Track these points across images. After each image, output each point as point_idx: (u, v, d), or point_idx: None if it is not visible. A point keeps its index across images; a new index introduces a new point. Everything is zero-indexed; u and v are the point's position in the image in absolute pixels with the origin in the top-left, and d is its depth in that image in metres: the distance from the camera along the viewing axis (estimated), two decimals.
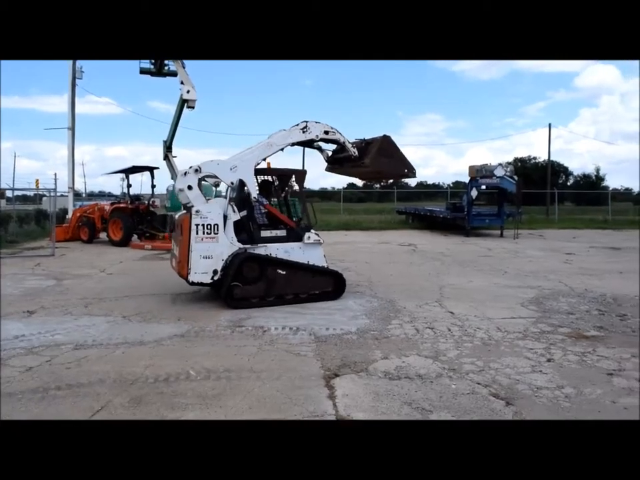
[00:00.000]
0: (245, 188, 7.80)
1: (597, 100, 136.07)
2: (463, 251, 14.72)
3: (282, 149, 8.07)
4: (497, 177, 17.99)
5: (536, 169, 62.66)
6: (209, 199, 7.80)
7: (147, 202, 17.18)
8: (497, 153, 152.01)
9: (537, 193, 37.89)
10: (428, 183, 70.68)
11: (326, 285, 8.00)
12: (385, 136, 8.55)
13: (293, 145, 8.21)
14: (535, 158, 68.85)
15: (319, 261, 8.04)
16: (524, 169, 71.32)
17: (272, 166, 8.77)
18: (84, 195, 48.33)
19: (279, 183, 8.76)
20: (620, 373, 4.75)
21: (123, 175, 17.43)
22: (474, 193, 18.57)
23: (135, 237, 16.42)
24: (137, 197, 17.88)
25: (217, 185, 19.90)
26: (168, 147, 21.45)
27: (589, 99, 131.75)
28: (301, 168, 8.18)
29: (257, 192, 8.00)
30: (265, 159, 8.04)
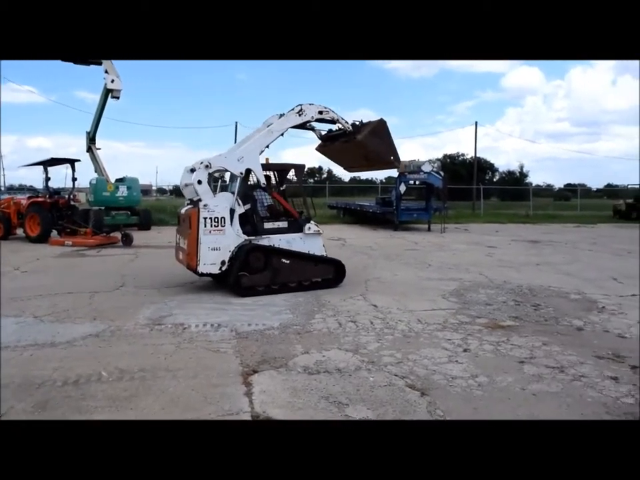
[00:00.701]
0: (250, 179, 8.22)
1: (522, 100, 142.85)
2: (391, 244, 14.99)
3: (282, 134, 8.42)
4: (425, 173, 18.41)
5: (464, 165, 64.85)
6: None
7: (67, 196, 16.44)
8: (428, 150, 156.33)
9: (464, 189, 39.11)
10: (361, 178, 71.34)
11: (327, 272, 8.51)
12: (381, 119, 8.91)
13: (288, 128, 8.51)
14: (463, 155, 71.26)
15: (318, 250, 8.51)
16: (452, 165, 73.44)
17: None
18: (2, 189, 45.75)
19: (278, 177, 9.05)
20: (531, 360, 4.93)
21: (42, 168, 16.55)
22: (402, 188, 18.93)
23: (54, 232, 15.68)
24: (57, 191, 17.08)
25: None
26: (91, 139, 20.74)
27: (514, 99, 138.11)
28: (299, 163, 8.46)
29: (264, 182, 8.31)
30: (267, 146, 8.35)
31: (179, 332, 5.75)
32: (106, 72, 18.67)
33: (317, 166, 79.76)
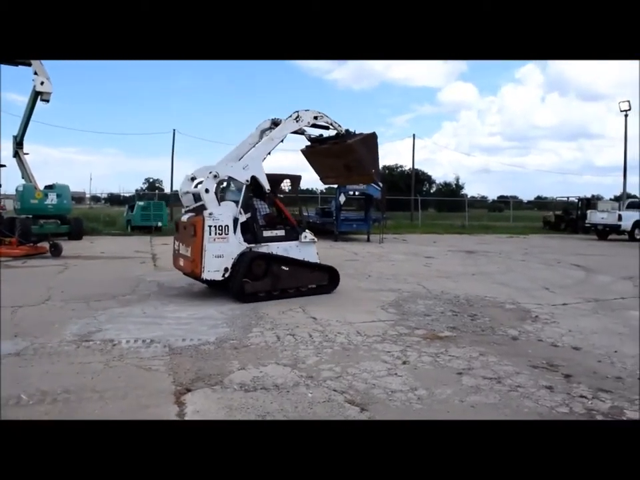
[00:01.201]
0: (256, 184, 8.46)
1: (457, 114, 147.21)
2: (331, 255, 14.86)
3: (282, 140, 8.81)
4: (364, 184, 18.51)
5: (402, 176, 66.14)
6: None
7: None
8: None
9: (403, 200, 39.83)
10: (302, 188, 71.45)
11: (322, 278, 8.89)
12: (373, 132, 9.38)
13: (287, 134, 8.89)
14: (401, 166, 72.68)
15: (312, 258, 8.85)
16: (391, 176, 74.82)
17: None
18: None
19: (273, 187, 9.02)
20: (469, 371, 4.95)
21: None
22: (342, 198, 19.02)
23: None
24: None
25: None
26: (18, 143, 19.74)
27: (450, 113, 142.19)
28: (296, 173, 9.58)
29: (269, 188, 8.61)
30: (269, 153, 8.69)
31: (108, 349, 5.44)
32: (35, 73, 17.78)
33: None
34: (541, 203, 54.82)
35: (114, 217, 28.12)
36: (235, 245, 8.08)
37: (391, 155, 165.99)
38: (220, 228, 7.95)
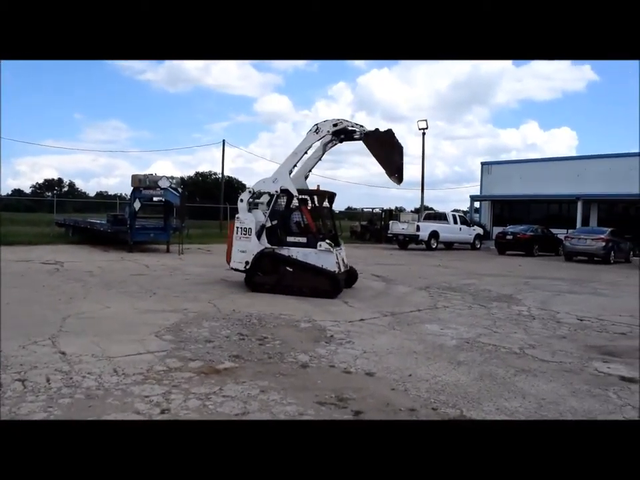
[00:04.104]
0: (278, 200, 10.21)
1: (273, 125, 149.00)
2: (117, 269, 13.13)
3: (305, 152, 10.20)
4: (162, 189, 16.91)
5: (217, 184, 64.70)
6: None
7: None
8: (182, 167, 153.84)
9: (213, 208, 38.56)
10: (109, 193, 65.98)
11: (323, 284, 9.56)
12: (388, 130, 9.84)
13: (311, 146, 10.24)
14: (215, 173, 71.15)
15: (331, 266, 9.68)
16: (205, 183, 73.16)
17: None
18: None
19: (314, 200, 10.56)
20: (242, 417, 3.97)
21: None
22: (137, 204, 17.15)
23: None
24: None
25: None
26: None
27: (266, 123, 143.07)
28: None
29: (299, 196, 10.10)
30: (295, 165, 10.24)
31: None
32: None
33: (56, 178, 72.10)
34: (351, 214, 57.33)
35: None
36: (256, 244, 9.90)
37: (206, 162, 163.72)
38: (245, 230, 10.09)
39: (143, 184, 17.17)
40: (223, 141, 40.59)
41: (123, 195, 36.75)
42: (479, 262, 20.80)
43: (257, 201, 11.98)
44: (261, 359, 5.61)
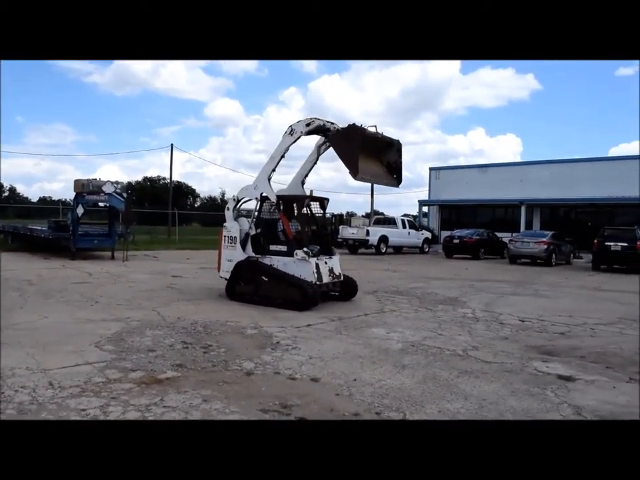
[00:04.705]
0: (263, 207, 10.15)
1: (224, 130, 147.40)
2: (58, 277, 12.66)
3: (283, 156, 9.84)
4: (106, 194, 16.44)
5: (166, 189, 63.66)
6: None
7: None
8: (130, 172, 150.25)
9: (162, 213, 37.87)
10: (53, 198, 63.76)
11: (295, 295, 8.97)
12: (353, 124, 9.12)
13: (287, 149, 9.79)
14: (164, 178, 70.06)
15: (308, 276, 9.22)
16: (153, 188, 71.82)
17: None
18: None
19: (290, 206, 10.17)
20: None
21: None
22: (80, 210, 16.59)
23: None
24: None
25: None
26: None
27: (216, 128, 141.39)
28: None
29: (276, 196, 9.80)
30: (274, 170, 9.88)
31: None
32: None
33: None
34: None
35: None
36: (240, 253, 9.76)
37: (155, 166, 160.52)
38: (231, 238, 9.99)
39: (86, 189, 16.65)
40: (172, 145, 40.02)
41: (68, 200, 35.71)
42: (426, 266, 21.17)
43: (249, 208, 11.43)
44: (204, 367, 5.50)
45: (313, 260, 9.37)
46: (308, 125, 9.41)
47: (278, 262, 9.44)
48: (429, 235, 30.87)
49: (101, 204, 17.85)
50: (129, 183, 65.97)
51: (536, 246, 22.51)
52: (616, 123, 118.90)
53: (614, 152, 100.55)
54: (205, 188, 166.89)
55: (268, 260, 9.53)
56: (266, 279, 9.31)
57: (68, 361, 5.50)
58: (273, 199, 9.75)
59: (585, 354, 6.62)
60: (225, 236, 10.05)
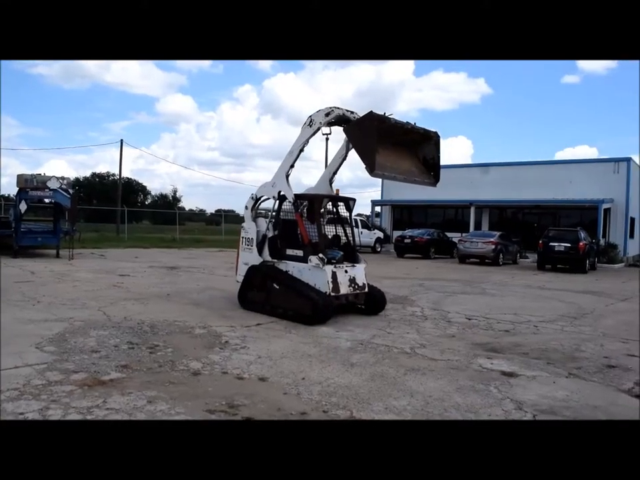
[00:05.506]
0: (283, 206, 9.15)
1: (177, 126, 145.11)
2: None
3: (302, 150, 8.83)
4: (51, 190, 15.92)
5: (115, 185, 62.27)
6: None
7: None
8: (78, 167, 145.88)
9: (111, 210, 37.01)
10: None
11: (305, 308, 7.94)
12: (370, 112, 7.78)
13: (307, 141, 8.80)
14: (114, 175, 68.36)
15: (322, 285, 8.16)
16: (102, 185, 70.05)
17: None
18: None
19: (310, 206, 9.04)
20: None
21: None
22: (23, 206, 16.02)
23: None
24: None
25: None
26: None
27: (168, 124, 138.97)
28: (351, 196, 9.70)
29: (293, 196, 8.74)
30: (292, 166, 8.87)
31: None
32: None
33: None
34: None
35: None
36: (256, 256, 9.01)
37: (104, 162, 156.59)
38: (248, 240, 9.27)
39: (29, 184, 16.08)
40: (121, 140, 39.12)
41: (11, 195, 34.38)
42: (378, 265, 21.35)
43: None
44: (150, 368, 5.40)
45: (329, 268, 8.29)
46: (327, 114, 8.50)
47: (293, 268, 8.53)
48: (381, 234, 31.20)
49: (45, 200, 17.22)
50: (77, 179, 64.25)
51: (484, 246, 23.07)
52: (562, 128, 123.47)
53: (560, 156, 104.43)
54: (156, 185, 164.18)
55: (284, 265, 8.65)
56: (277, 287, 8.40)
57: (6, 363, 5.28)
58: (290, 197, 8.72)
59: (527, 350, 6.83)
60: (242, 237, 9.34)
